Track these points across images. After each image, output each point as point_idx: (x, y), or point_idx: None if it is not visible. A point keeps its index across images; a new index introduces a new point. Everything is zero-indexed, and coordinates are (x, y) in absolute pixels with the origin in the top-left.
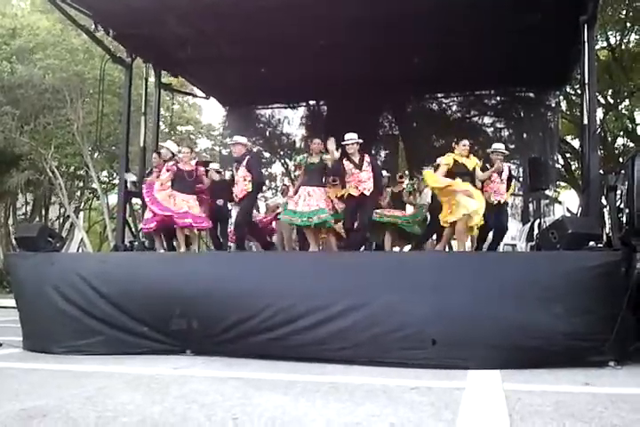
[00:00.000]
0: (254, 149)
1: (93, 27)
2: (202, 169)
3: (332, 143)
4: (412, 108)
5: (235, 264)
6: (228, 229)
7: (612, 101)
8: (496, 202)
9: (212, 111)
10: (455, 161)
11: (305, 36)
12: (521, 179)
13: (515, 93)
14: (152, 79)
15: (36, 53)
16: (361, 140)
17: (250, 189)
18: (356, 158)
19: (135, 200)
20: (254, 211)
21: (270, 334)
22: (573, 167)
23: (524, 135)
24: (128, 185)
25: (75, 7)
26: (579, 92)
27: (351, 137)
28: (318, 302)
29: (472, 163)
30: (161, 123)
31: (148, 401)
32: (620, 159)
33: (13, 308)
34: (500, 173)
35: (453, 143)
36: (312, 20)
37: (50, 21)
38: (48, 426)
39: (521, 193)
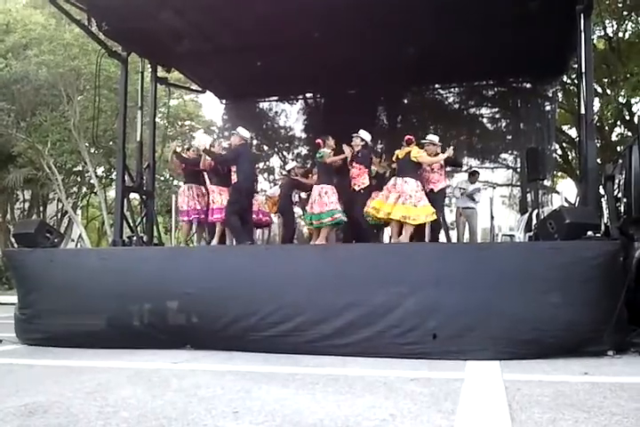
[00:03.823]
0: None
1: (87, 21)
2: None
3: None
4: (409, 100)
5: (236, 258)
6: None
7: (609, 91)
8: (428, 190)
9: (211, 106)
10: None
11: (300, 28)
12: (519, 169)
13: (512, 84)
14: (148, 73)
15: (31, 49)
16: (361, 138)
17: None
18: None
19: (133, 195)
20: None
21: (271, 330)
22: (571, 157)
23: (522, 125)
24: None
25: (69, 1)
26: (576, 81)
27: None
28: (320, 297)
29: (402, 153)
30: (158, 118)
31: (149, 395)
32: (618, 149)
33: (13, 304)
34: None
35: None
36: (307, 12)
37: (44, 16)
38: (49, 422)
39: (519, 183)
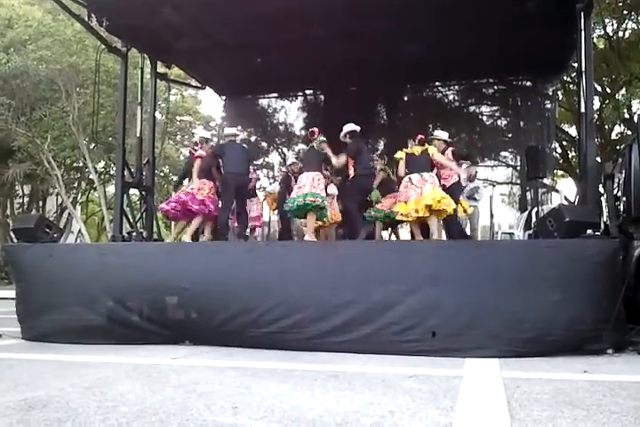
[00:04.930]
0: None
1: (88, 16)
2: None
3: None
4: (409, 98)
5: (235, 254)
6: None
7: (608, 90)
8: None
9: (211, 102)
10: (407, 154)
11: (300, 26)
12: (518, 167)
13: (512, 82)
14: (148, 69)
15: (30, 44)
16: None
17: None
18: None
19: (132, 191)
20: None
21: (271, 326)
22: (571, 155)
23: (522, 124)
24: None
25: None
26: (576, 80)
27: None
28: (319, 294)
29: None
30: (158, 113)
31: (148, 391)
32: (618, 147)
33: (13, 299)
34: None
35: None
36: (307, 11)
37: (40, 12)
38: (48, 416)
39: (518, 181)
